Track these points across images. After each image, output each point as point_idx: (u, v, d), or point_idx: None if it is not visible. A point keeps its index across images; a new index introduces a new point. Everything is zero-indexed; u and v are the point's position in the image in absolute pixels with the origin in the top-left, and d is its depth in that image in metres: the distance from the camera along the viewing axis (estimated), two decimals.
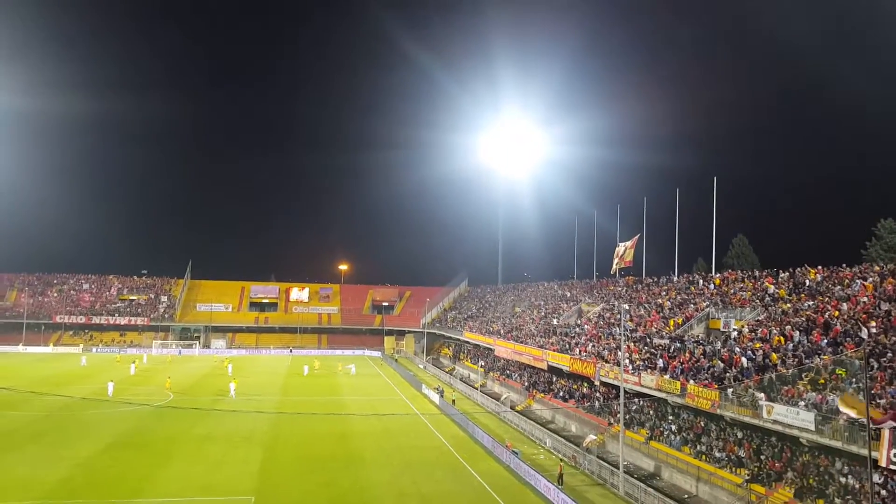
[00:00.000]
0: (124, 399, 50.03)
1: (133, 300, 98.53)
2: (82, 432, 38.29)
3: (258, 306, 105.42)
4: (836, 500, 22.35)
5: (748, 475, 26.53)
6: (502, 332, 65.62)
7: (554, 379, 50.40)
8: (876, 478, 20.71)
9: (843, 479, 22.82)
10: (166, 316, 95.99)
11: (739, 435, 29.15)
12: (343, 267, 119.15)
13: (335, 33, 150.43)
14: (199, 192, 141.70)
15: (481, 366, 65.46)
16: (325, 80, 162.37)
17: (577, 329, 52.07)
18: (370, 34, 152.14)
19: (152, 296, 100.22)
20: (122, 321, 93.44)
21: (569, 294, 66.66)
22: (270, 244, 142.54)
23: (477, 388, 59.55)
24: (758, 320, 34.60)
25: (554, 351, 49.01)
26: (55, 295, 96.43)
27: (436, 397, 53.84)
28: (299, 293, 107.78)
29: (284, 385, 61.78)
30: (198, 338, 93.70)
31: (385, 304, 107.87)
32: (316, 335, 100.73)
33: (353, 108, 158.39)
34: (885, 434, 19.86)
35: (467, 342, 76.40)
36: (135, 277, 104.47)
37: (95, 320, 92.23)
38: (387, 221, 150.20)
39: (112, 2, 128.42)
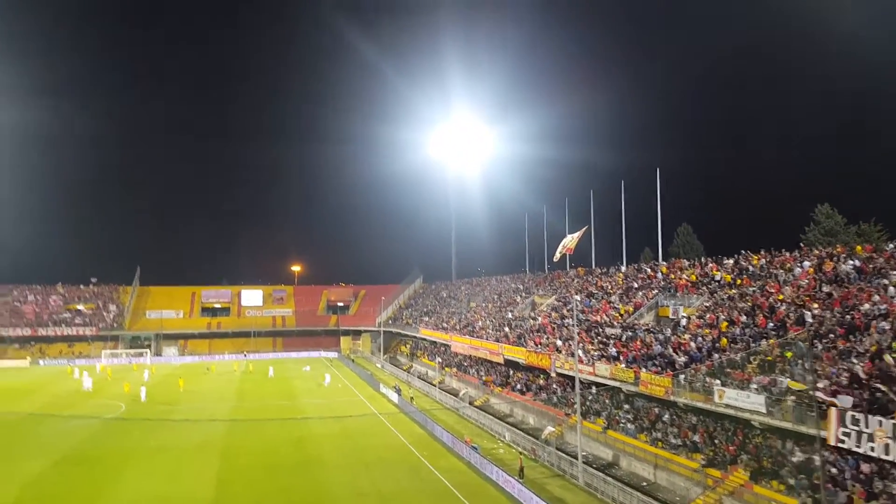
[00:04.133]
0: (72, 412, 48.22)
1: (80, 310, 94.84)
2: (31, 449, 36.85)
3: (210, 311, 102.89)
4: (790, 481, 23.14)
5: (704, 460, 27.28)
6: (458, 327, 65.85)
7: (511, 372, 50.86)
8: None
9: (794, 459, 23.66)
10: (115, 325, 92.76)
11: (693, 420, 29.96)
12: (296, 268, 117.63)
13: (281, 28, 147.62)
14: (143, 194, 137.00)
15: (438, 362, 65.55)
16: (272, 74, 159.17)
17: (531, 321, 52.66)
18: (318, 28, 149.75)
19: (100, 304, 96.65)
20: (70, 332, 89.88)
21: (521, 287, 67.35)
22: (220, 246, 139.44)
23: (435, 385, 59.62)
24: (705, 306, 35.61)
25: (509, 344, 49.44)
26: None
27: (394, 396, 53.66)
28: (252, 296, 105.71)
29: (239, 391, 60.59)
30: (149, 346, 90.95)
31: (340, 304, 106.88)
32: (270, 339, 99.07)
33: (300, 103, 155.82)
34: (833, 413, 20.71)
35: (424, 339, 76.40)
36: (82, 286, 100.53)
37: (42, 332, 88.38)
38: (339, 220, 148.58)
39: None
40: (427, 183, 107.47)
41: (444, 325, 70.80)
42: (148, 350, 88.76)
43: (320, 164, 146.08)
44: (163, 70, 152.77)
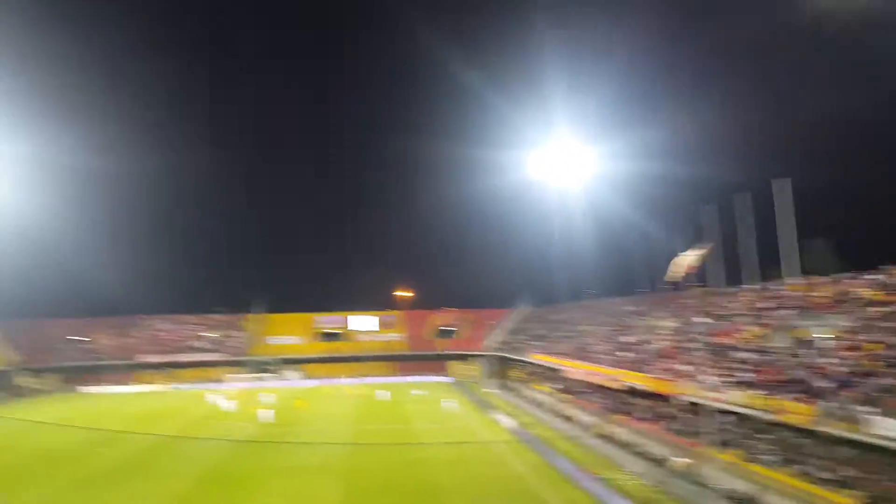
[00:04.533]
0: (205, 435, 51.46)
1: (209, 337, 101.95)
2: (173, 469, 39.57)
3: (325, 336, 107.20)
4: None
5: (868, 499, 24.51)
6: (571, 352, 64.33)
7: (630, 399, 48.84)
8: None
9: None
10: (241, 351, 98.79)
11: (847, 453, 27.25)
12: (403, 293, 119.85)
13: (376, 53, 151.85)
14: (261, 229, 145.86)
15: (552, 388, 64.22)
16: (373, 101, 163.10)
17: (650, 345, 50.47)
18: (415, 52, 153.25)
19: (226, 332, 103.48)
20: (201, 358, 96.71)
21: (636, 309, 64.88)
22: (333, 274, 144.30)
23: (551, 412, 58.39)
24: (847, 326, 32.61)
25: (627, 369, 47.59)
26: (136, 336, 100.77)
27: (508, 422, 53.05)
28: (363, 322, 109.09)
29: (355, 414, 62.26)
30: (272, 371, 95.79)
31: (447, 328, 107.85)
32: (384, 363, 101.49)
33: (399, 128, 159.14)
34: None
35: (535, 364, 75.25)
36: (208, 315, 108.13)
37: (177, 358, 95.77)
38: (444, 245, 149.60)
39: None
40: (528, 205, 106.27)
41: (556, 349, 69.46)
42: (272, 374, 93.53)
43: (422, 190, 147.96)
44: (283, 118, 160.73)
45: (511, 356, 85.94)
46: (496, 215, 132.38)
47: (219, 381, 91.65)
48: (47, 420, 60.48)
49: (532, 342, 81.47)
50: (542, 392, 68.08)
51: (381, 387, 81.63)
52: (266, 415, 58.91)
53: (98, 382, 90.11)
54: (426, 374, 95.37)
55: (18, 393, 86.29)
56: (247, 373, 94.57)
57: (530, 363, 76.99)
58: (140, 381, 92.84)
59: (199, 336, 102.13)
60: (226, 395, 76.91)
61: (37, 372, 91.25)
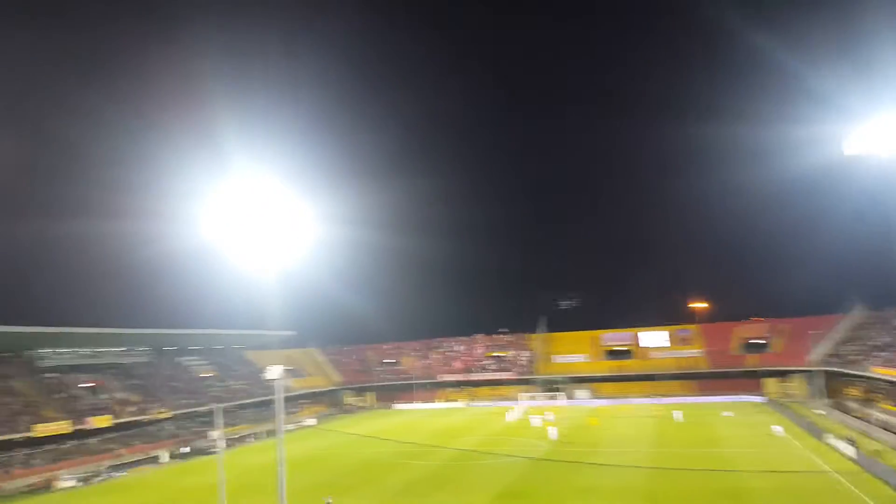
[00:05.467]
0: (503, 451, 51.89)
1: (498, 357, 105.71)
2: (475, 483, 40.67)
3: (612, 354, 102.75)
4: None
5: None
6: None
7: None
8: None
9: None
10: (528, 370, 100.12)
11: None
12: (699, 304, 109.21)
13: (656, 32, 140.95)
14: (538, 251, 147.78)
15: None
16: (654, 88, 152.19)
17: None
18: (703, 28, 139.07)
19: (513, 351, 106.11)
20: (492, 377, 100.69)
21: None
22: (617, 289, 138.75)
23: None
24: None
25: None
26: (435, 357, 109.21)
27: (848, 449, 43.05)
28: (653, 337, 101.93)
29: (654, 435, 57.18)
30: (561, 389, 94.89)
31: (756, 341, 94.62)
32: (678, 382, 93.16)
33: (681, 114, 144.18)
34: None
35: (879, 379, 61.01)
36: (495, 336, 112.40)
37: (470, 377, 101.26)
38: (739, 247, 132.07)
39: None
40: (846, 189, 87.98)
41: None
42: (560, 393, 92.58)
43: (713, 190, 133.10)
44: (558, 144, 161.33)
45: (844, 371, 71.35)
46: (803, 204, 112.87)
47: (510, 398, 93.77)
48: (369, 434, 67.82)
49: (873, 353, 66.65)
50: (892, 413, 54.58)
51: (677, 407, 74.46)
52: (553, 432, 58.03)
53: (409, 400, 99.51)
54: (731, 394, 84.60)
55: (346, 409, 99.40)
56: (536, 391, 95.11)
57: (872, 378, 62.80)
58: (442, 399, 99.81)
59: (490, 356, 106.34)
60: (520, 412, 77.80)
61: (359, 391, 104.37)
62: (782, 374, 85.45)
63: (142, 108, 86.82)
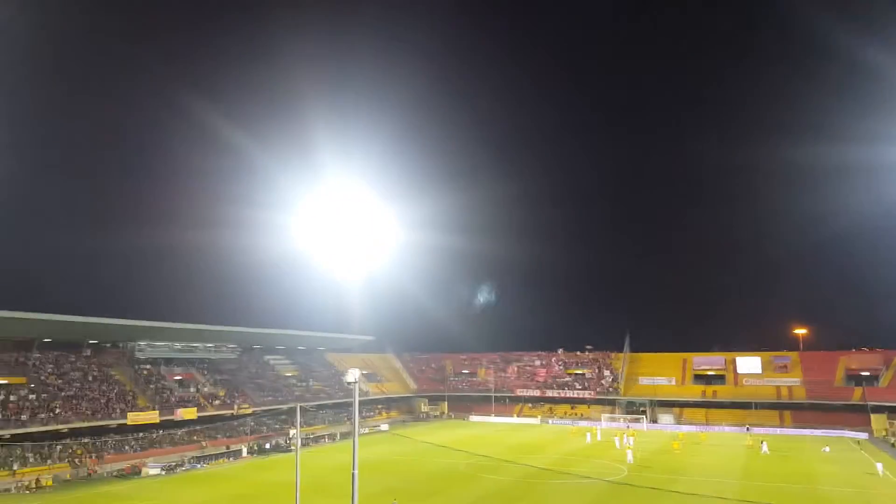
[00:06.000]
0: (579, 471, 50.01)
1: (579, 374, 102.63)
2: (548, 501, 39.81)
3: (703, 379, 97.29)
4: None
5: None
6: None
7: None
8: None
9: None
10: (610, 390, 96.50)
11: None
12: (800, 331, 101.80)
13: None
14: (627, 264, 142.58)
15: None
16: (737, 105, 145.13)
17: None
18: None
19: (596, 370, 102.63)
20: (571, 394, 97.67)
21: None
22: (711, 311, 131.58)
23: None
24: None
25: None
26: (513, 371, 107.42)
27: None
28: (748, 363, 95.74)
29: (744, 467, 53.39)
30: (644, 412, 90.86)
31: (865, 373, 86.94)
32: (775, 411, 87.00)
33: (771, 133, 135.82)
34: None
35: None
36: (578, 353, 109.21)
37: (548, 393, 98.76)
38: (849, 271, 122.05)
39: None
40: None
41: None
42: (644, 416, 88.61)
43: (820, 208, 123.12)
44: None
45: None
46: None
47: (590, 418, 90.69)
48: (442, 443, 67.33)
49: None
50: None
51: (768, 438, 69.38)
52: (629, 455, 55.67)
53: (483, 412, 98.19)
54: (830, 427, 78.05)
55: (419, 417, 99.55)
56: (617, 412, 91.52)
57: None
58: (518, 414, 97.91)
59: (571, 373, 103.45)
60: (598, 433, 75.04)
61: (433, 400, 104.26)
62: (893, 410, 78.12)
63: (245, 121, 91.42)
